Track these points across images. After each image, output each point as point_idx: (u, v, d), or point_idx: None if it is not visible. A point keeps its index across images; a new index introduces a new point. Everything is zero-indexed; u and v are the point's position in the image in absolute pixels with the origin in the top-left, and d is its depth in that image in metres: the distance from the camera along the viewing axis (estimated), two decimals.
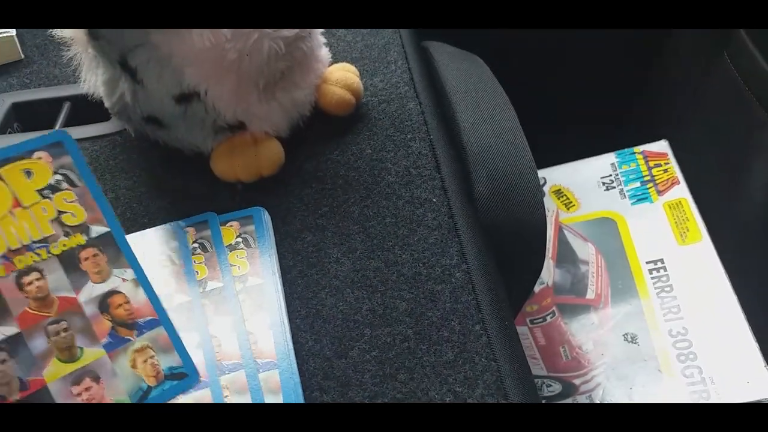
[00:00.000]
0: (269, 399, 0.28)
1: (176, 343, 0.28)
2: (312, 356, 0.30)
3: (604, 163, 0.68)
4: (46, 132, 0.43)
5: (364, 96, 0.42)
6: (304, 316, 0.32)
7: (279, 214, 0.36)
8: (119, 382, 0.26)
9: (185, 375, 0.27)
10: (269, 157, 0.38)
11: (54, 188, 0.28)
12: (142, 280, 0.28)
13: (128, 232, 0.35)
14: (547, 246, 0.53)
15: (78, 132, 0.43)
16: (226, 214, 0.35)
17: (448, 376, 0.29)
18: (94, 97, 0.40)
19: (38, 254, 0.27)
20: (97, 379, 0.26)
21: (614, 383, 0.55)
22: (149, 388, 0.27)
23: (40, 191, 0.28)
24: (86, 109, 0.43)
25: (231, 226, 0.35)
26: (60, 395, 0.26)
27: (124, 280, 0.28)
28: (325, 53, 0.41)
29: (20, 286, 0.26)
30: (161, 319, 0.28)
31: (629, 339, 0.57)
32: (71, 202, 0.28)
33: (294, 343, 0.30)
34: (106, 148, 0.41)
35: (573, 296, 0.60)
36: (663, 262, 0.59)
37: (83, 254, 0.28)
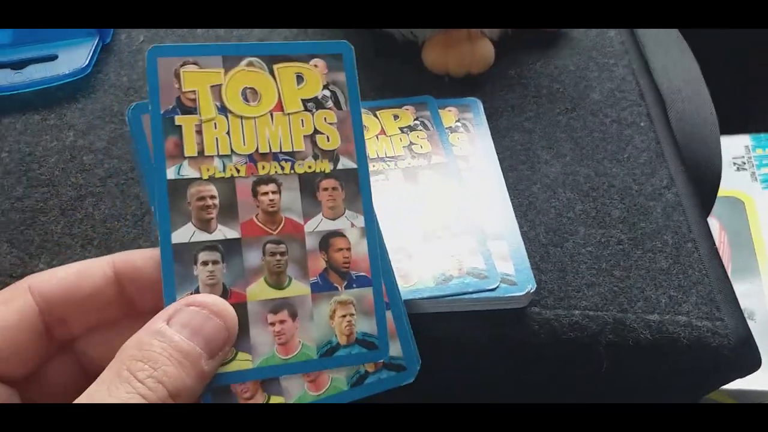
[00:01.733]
0: (499, 264, 0.29)
1: (378, 311, 0.25)
2: (528, 240, 0.32)
3: (738, 144, 0.67)
4: None
5: None
6: (517, 205, 0.33)
7: (486, 111, 0.37)
8: (313, 328, 0.25)
9: (376, 347, 0.25)
10: (482, 54, 0.39)
11: (319, 104, 0.26)
12: (370, 231, 0.26)
13: None
14: None
15: None
16: (441, 99, 0.37)
17: (663, 281, 0.30)
18: None
19: (282, 167, 0.25)
20: (294, 315, 0.25)
21: None
22: (338, 345, 0.25)
23: (305, 102, 0.26)
24: None
25: (450, 110, 0.36)
26: (256, 317, 0.24)
27: (353, 225, 0.26)
28: None
29: (255, 193, 0.25)
30: (374, 279, 0.26)
31: (746, 315, 0.57)
32: (331, 124, 0.26)
33: None
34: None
35: None
36: None
37: (324, 184, 0.26)
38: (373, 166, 0.33)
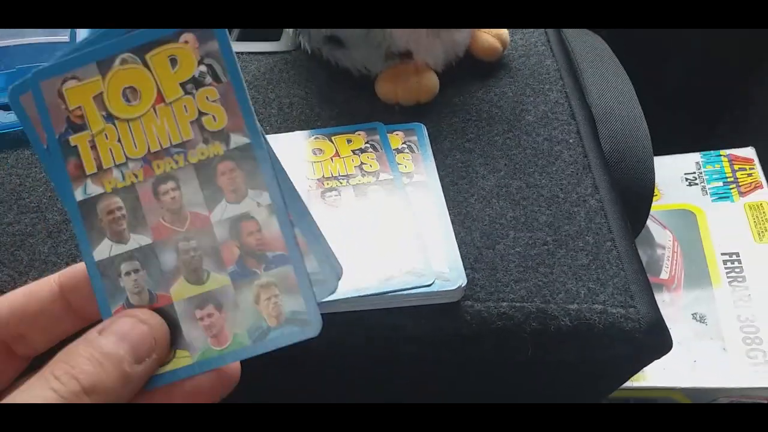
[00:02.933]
0: (436, 265, 0.33)
1: (303, 287, 0.24)
2: (464, 244, 0.36)
3: (689, 161, 0.72)
4: None
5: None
6: (456, 214, 0.37)
7: (431, 135, 0.42)
8: (240, 316, 0.25)
9: (307, 322, 0.24)
10: (428, 85, 0.43)
11: (198, 83, 0.24)
12: (278, 207, 0.24)
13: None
14: None
15: (252, 47, 0.49)
16: (390, 125, 0.41)
17: (583, 275, 0.34)
18: None
19: (176, 161, 0.24)
20: (219, 307, 0.24)
21: (678, 353, 0.59)
22: (269, 328, 0.24)
23: (183, 85, 0.24)
24: (257, 29, 0.49)
25: (397, 134, 0.40)
26: (185, 315, 0.25)
27: (258, 204, 0.24)
28: None
29: (156, 195, 0.24)
30: (291, 256, 0.24)
31: (698, 318, 0.60)
32: (213, 101, 0.24)
33: None
34: (279, 62, 0.47)
35: (647, 275, 0.64)
36: (738, 256, 0.63)
37: (220, 167, 0.24)
38: (328, 183, 0.37)
